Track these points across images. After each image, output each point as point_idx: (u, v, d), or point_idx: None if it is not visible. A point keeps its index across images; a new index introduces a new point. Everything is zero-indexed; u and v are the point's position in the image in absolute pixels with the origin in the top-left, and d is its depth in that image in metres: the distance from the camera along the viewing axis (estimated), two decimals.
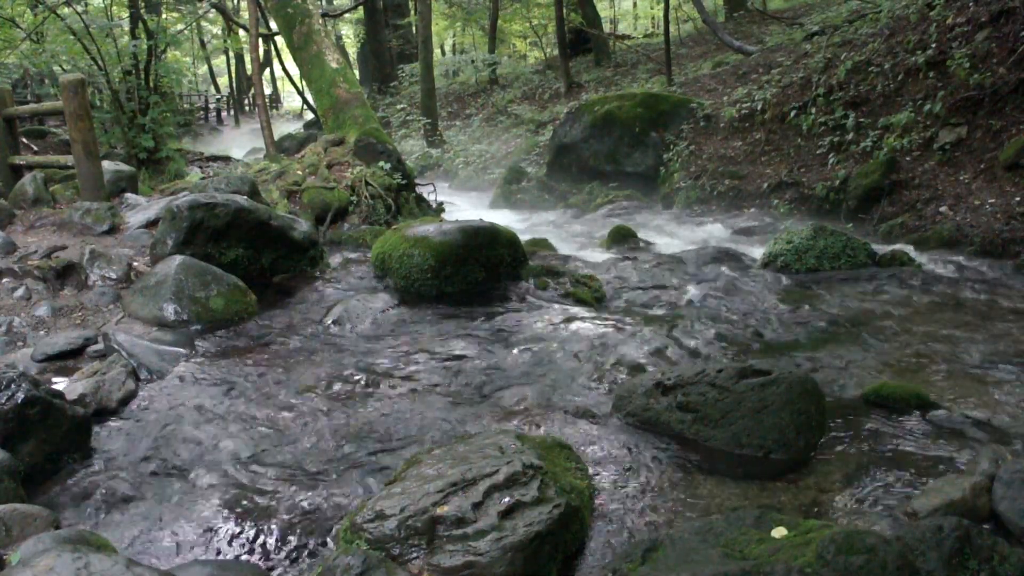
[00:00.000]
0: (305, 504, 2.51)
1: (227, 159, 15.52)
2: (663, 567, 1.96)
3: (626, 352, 3.85)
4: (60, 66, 12.94)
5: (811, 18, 14.03)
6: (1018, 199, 6.34)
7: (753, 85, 10.84)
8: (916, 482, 2.52)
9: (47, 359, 3.63)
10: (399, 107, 19.38)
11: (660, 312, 4.80)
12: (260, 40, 14.09)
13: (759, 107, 9.78)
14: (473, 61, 22.51)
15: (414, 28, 22.66)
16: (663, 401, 3.03)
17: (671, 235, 7.81)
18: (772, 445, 2.76)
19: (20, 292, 4.49)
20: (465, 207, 10.47)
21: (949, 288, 5.09)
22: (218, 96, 33.58)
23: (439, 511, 2.12)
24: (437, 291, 4.91)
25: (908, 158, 7.49)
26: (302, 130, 21.08)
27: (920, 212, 6.89)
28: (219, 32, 31.32)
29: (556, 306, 4.78)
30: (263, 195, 6.94)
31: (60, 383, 3.34)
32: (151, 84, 13.00)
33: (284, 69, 24.68)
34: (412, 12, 23.79)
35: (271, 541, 2.32)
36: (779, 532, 2.02)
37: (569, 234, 8.21)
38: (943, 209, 6.75)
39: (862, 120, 8.30)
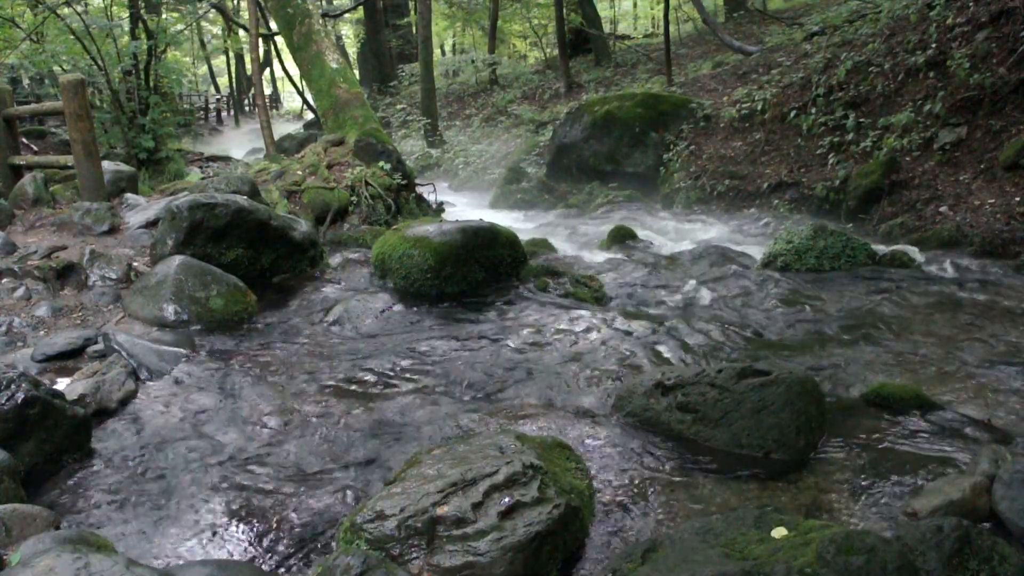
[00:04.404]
0: (305, 504, 2.51)
1: (227, 159, 15.54)
2: (663, 567, 1.96)
3: (626, 352, 3.85)
4: (60, 66, 12.96)
5: (811, 18, 14.03)
6: (1018, 199, 6.34)
7: (753, 85, 10.84)
8: (916, 482, 2.52)
9: (47, 359, 3.63)
10: (399, 107, 19.39)
11: (660, 312, 4.80)
12: (260, 40, 14.10)
13: (759, 107, 9.78)
14: (473, 61, 22.51)
15: (414, 28, 22.66)
16: (663, 401, 3.03)
17: (671, 235, 7.81)
18: (772, 445, 2.76)
19: (20, 292, 4.49)
20: (465, 207, 10.48)
21: (949, 288, 5.08)
22: (218, 96, 33.58)
23: (439, 511, 2.12)
24: (437, 291, 4.92)
25: (908, 158, 7.49)
26: (302, 130, 21.06)
27: (920, 212, 6.89)
28: (219, 32, 31.32)
29: (556, 306, 4.78)
30: (263, 195, 6.94)
31: (60, 383, 3.34)
32: (151, 84, 13.03)
33: (284, 69, 24.68)
34: (412, 12, 23.79)
35: (271, 541, 2.32)
36: (779, 532, 2.02)
37: (569, 234, 8.21)
38: (943, 209, 6.75)
39: (862, 120, 8.30)
